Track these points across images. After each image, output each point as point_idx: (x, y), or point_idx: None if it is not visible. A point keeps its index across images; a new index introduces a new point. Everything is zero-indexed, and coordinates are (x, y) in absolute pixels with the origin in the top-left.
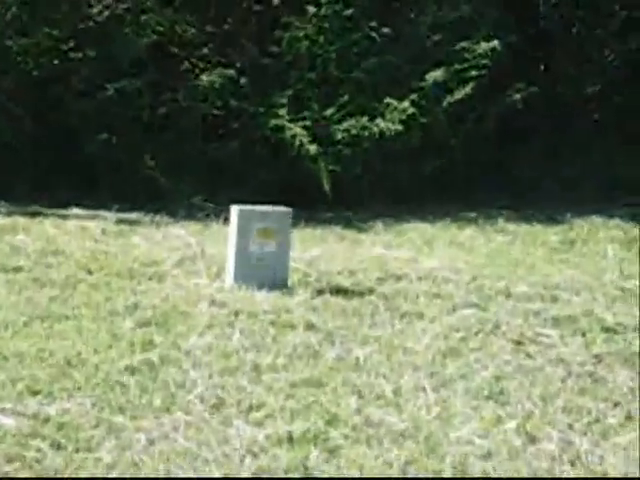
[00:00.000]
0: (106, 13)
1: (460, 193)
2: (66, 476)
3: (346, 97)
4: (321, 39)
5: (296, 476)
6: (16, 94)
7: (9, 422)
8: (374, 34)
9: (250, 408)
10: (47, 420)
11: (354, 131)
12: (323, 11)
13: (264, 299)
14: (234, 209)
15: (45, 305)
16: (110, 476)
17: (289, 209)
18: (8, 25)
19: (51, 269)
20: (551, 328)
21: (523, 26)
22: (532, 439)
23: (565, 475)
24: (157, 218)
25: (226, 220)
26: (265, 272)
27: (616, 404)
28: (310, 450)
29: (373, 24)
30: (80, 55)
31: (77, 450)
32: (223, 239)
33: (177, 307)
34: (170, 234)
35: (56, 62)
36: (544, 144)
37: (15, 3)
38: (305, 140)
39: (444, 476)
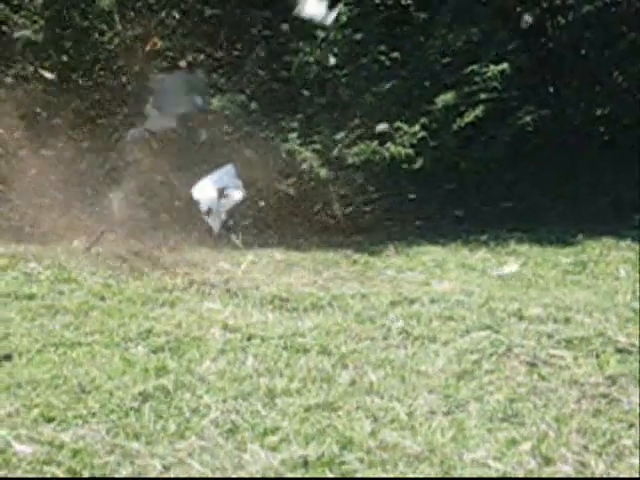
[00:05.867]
0: (116, 40)
1: (471, 216)
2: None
3: (356, 121)
4: (330, 64)
5: None
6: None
7: (24, 449)
8: (383, 58)
9: (265, 433)
10: (62, 447)
11: (365, 155)
12: (332, 36)
13: (276, 323)
14: None
15: (58, 332)
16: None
17: None
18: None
19: (64, 296)
20: (564, 350)
21: (532, 48)
22: (547, 461)
23: None
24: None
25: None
26: None
27: (631, 425)
28: (325, 474)
29: (382, 48)
30: (90, 83)
31: (92, 477)
32: None
33: (190, 332)
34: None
35: None
36: (554, 166)
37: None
38: (316, 164)
39: None
